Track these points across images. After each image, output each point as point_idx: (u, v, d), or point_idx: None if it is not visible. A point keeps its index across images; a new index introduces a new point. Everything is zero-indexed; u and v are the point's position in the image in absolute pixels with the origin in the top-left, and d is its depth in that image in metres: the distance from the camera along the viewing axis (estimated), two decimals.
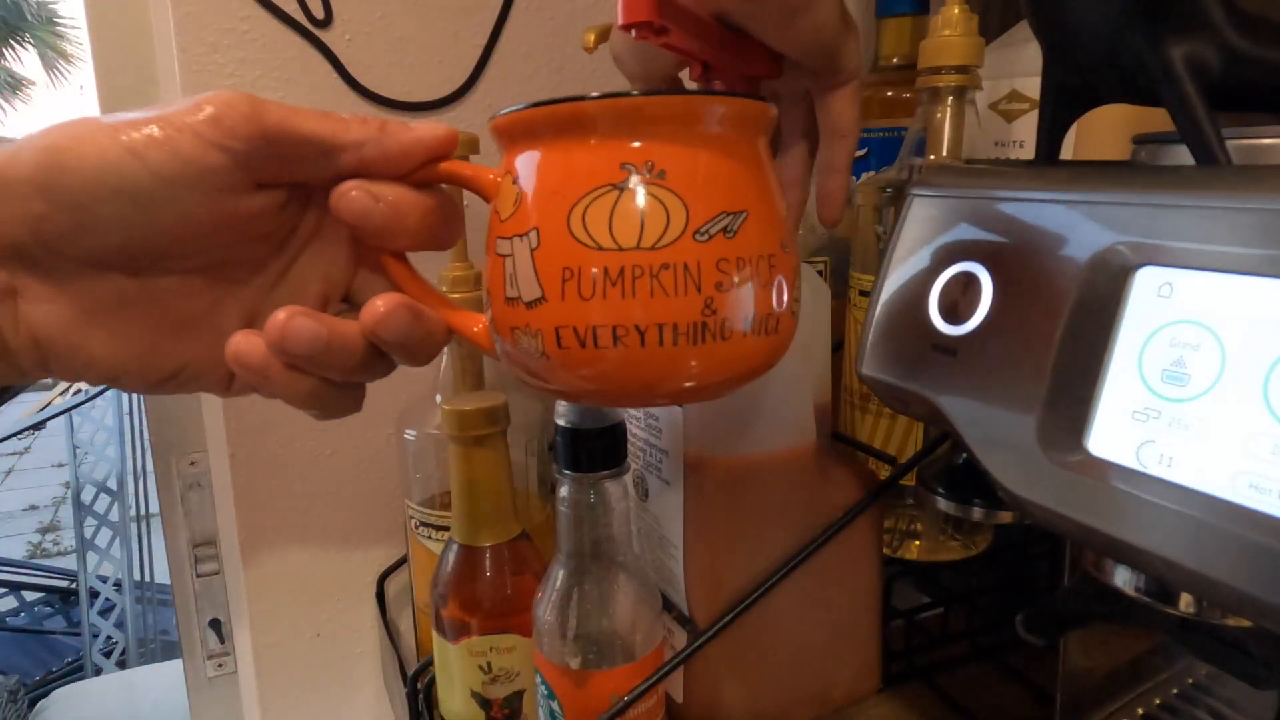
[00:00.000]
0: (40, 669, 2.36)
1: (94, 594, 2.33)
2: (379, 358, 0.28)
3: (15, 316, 0.26)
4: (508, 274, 0.26)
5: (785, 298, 0.28)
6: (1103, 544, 0.25)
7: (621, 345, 0.25)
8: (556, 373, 0.26)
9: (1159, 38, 0.29)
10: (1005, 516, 0.36)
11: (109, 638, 2.32)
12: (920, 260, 0.31)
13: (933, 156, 0.47)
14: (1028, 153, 0.55)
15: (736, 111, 0.26)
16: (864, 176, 0.59)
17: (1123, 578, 0.29)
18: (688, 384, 0.27)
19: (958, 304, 0.29)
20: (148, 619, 2.36)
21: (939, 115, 0.47)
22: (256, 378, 0.27)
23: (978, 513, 0.36)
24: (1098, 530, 0.24)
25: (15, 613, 2.70)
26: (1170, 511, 0.22)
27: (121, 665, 2.27)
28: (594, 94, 0.25)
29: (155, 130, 0.25)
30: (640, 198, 0.25)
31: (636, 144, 0.25)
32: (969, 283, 0.28)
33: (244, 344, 0.27)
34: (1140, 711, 0.42)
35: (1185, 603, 0.27)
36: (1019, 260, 0.27)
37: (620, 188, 0.25)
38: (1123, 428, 0.24)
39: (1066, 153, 0.37)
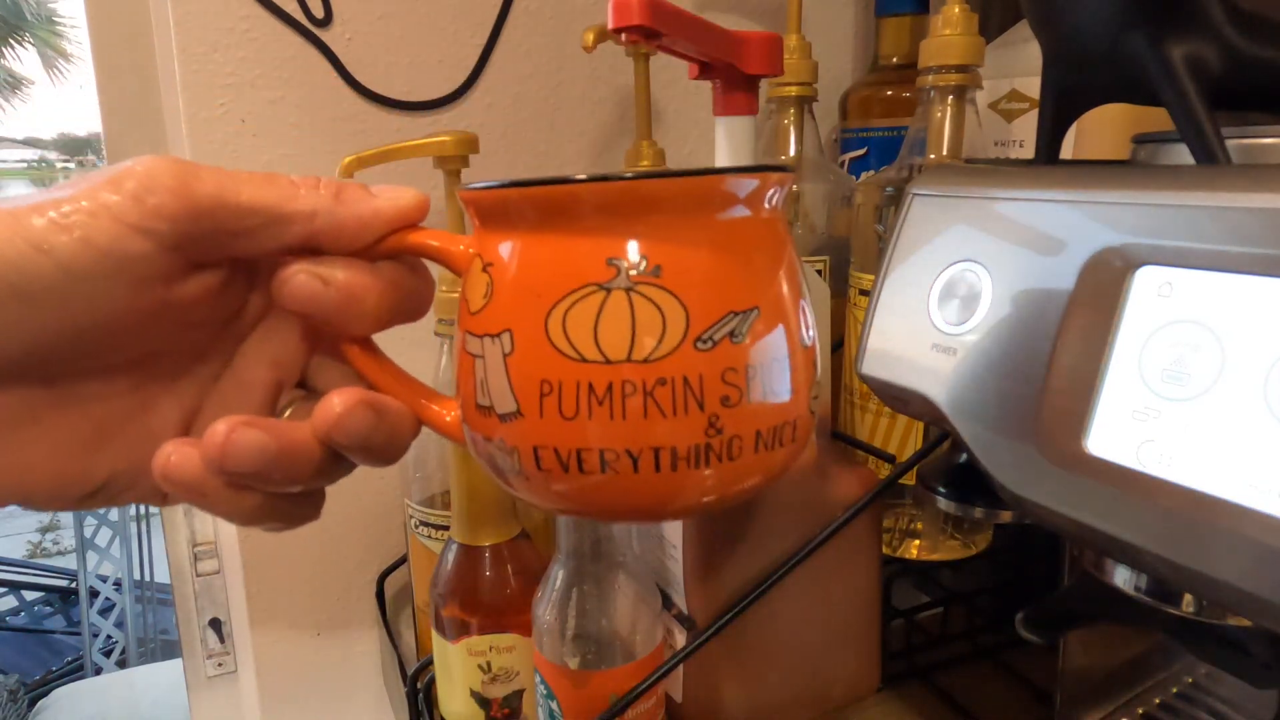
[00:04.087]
0: (40, 668, 2.37)
1: (94, 593, 2.34)
2: (338, 461, 0.24)
3: None
4: (479, 379, 0.23)
5: (803, 399, 0.24)
6: (1103, 544, 0.25)
7: (611, 470, 0.21)
8: (536, 491, 0.23)
9: (1159, 38, 0.29)
10: (1005, 516, 0.36)
11: (109, 637, 2.33)
12: (920, 260, 0.31)
13: (933, 156, 0.47)
14: (1028, 153, 0.55)
15: (746, 187, 0.22)
16: (864, 176, 0.59)
17: (1123, 577, 0.29)
18: (688, 507, 0.23)
19: (958, 304, 0.29)
20: (148, 618, 2.37)
21: (939, 115, 0.47)
22: (192, 496, 0.23)
23: (978, 512, 0.36)
24: (1098, 530, 0.24)
25: (15, 612, 2.70)
26: (1170, 511, 0.22)
27: (121, 665, 2.27)
28: (580, 175, 0.21)
29: (62, 216, 0.20)
30: (630, 300, 0.21)
31: (626, 235, 0.21)
32: (969, 282, 0.28)
33: (175, 457, 0.23)
34: (1140, 711, 0.42)
35: (1185, 603, 0.27)
36: (1019, 260, 0.27)
37: (607, 288, 0.21)
38: (1123, 427, 0.24)
39: (1066, 153, 0.37)
